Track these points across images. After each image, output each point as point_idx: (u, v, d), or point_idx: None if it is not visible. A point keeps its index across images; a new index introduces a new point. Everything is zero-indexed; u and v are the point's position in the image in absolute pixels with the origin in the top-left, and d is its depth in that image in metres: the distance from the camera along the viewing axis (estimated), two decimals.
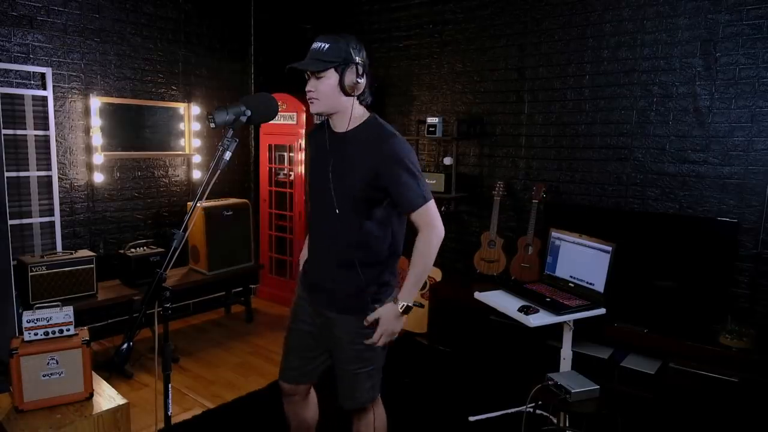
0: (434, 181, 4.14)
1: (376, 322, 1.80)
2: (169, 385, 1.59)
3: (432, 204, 1.76)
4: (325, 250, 1.86)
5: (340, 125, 1.79)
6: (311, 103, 1.74)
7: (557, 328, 2.72)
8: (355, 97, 1.75)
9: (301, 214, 4.62)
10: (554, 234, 2.94)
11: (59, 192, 3.62)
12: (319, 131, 1.91)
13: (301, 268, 2.04)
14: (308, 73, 1.73)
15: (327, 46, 1.68)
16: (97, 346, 3.75)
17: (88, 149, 3.77)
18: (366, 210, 1.76)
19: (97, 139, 3.77)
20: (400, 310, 1.78)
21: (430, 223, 1.75)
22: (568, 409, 2.28)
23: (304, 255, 2.04)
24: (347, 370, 1.86)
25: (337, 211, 1.77)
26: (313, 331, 1.94)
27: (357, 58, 1.70)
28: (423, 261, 1.77)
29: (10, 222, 2.76)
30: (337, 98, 1.71)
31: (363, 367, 1.86)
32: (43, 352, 2.01)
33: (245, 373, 3.46)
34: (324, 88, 1.70)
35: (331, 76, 1.69)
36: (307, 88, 1.73)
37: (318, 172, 1.85)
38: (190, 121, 4.36)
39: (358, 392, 1.87)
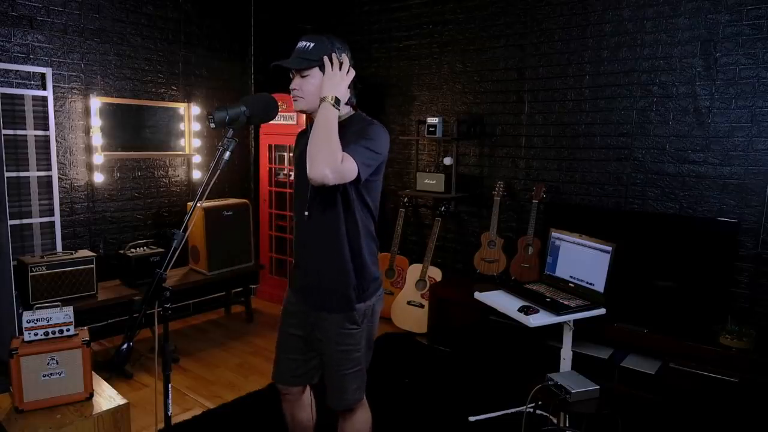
0: (434, 182, 4.14)
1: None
2: (169, 385, 1.59)
3: (354, 164, 1.62)
4: (310, 250, 1.86)
5: None
6: (295, 101, 1.76)
7: (557, 328, 2.72)
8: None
9: None
10: (554, 234, 2.94)
11: (59, 192, 3.62)
12: (306, 133, 1.91)
13: (289, 274, 2.03)
14: (293, 71, 1.74)
15: (312, 45, 1.70)
16: (97, 346, 3.75)
17: (88, 149, 3.77)
18: (345, 201, 1.75)
19: (97, 139, 3.77)
20: (331, 102, 1.66)
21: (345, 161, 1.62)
22: (568, 409, 2.27)
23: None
24: (335, 371, 1.87)
25: (317, 209, 1.78)
26: (302, 334, 1.94)
27: (342, 57, 1.71)
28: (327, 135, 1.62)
29: (10, 222, 2.76)
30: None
31: (350, 368, 1.87)
32: (43, 353, 2.01)
33: (245, 373, 3.46)
34: (309, 87, 1.72)
35: (316, 75, 1.70)
36: (292, 87, 1.75)
37: (301, 173, 1.85)
38: (190, 121, 4.36)
39: (346, 393, 1.89)
